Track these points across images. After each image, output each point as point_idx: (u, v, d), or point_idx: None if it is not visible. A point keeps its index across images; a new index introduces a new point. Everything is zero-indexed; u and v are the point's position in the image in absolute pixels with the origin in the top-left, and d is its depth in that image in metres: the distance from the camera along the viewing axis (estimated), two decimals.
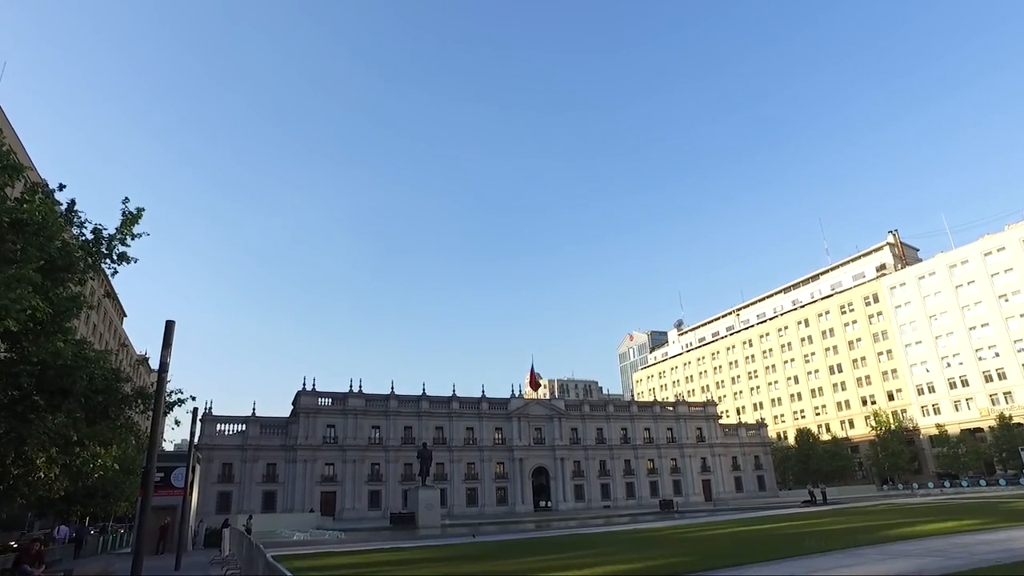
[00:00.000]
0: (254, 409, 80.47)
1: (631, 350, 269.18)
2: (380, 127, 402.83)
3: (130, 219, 17.18)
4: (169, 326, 12.00)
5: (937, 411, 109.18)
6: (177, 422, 21.39)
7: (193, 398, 18.70)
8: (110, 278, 18.15)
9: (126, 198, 17.14)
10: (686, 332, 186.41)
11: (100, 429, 18.04)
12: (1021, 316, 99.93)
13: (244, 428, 78.62)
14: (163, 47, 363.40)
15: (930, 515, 29.01)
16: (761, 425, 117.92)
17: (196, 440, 35.75)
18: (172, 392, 18.07)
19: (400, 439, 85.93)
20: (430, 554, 24.19)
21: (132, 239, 17.43)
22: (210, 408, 77.15)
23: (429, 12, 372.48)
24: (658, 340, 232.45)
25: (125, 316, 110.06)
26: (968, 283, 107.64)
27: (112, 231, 17.21)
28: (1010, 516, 25.31)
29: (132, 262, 17.60)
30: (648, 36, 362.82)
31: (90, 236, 17.14)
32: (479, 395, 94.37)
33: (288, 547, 30.26)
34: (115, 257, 17.32)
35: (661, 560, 17.58)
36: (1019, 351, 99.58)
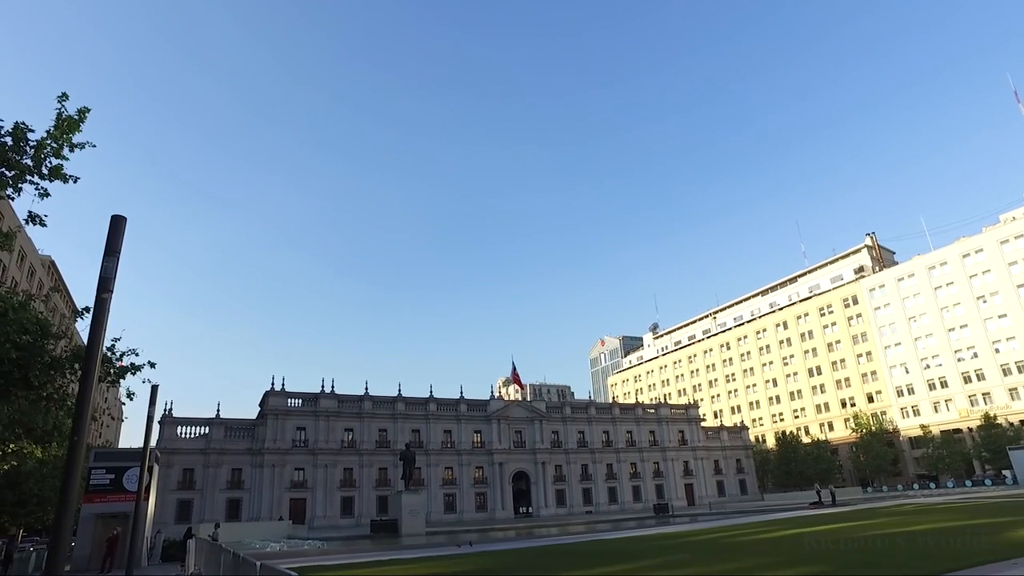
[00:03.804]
0: (218, 411, 74.70)
1: (603, 355, 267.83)
2: (354, 119, 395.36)
3: (68, 123, 12.59)
4: (116, 224, 7.74)
5: (917, 413, 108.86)
6: (131, 395, 16.66)
7: (152, 364, 13.92)
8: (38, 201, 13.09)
9: (63, 94, 12.57)
10: (661, 336, 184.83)
11: (21, 405, 13.14)
12: (999, 317, 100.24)
13: (207, 431, 72.98)
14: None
15: (996, 515, 25.91)
16: (743, 428, 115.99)
17: (154, 436, 30.63)
18: (124, 352, 13.41)
19: (375, 442, 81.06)
20: (449, 568, 19.80)
21: (72, 150, 12.86)
22: (170, 410, 71.31)
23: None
24: (630, 345, 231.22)
25: (65, 288, 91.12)
26: (947, 284, 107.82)
27: (43, 135, 12.55)
28: None
29: (72, 181, 12.98)
30: (627, 23, 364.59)
31: (8, 140, 12.32)
32: (457, 396, 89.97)
33: (266, 560, 25.50)
34: (46, 172, 12.71)
35: (795, 570, 13.74)
36: (997, 352, 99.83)
